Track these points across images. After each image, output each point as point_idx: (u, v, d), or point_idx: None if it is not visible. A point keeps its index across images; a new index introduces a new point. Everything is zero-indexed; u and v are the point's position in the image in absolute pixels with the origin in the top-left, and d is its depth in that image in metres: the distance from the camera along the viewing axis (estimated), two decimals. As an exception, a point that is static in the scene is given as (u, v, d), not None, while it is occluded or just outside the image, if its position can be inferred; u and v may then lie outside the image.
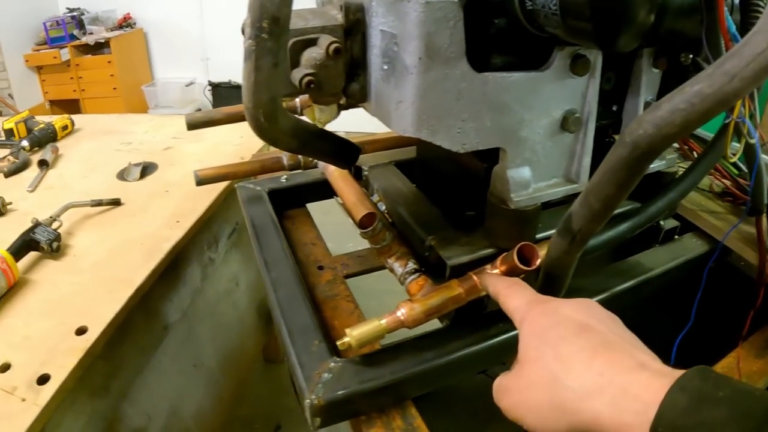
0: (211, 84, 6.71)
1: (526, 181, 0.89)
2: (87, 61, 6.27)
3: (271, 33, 0.64)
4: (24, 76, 6.15)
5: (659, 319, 1.41)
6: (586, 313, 0.64)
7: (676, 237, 1.27)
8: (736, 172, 1.33)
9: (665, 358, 0.98)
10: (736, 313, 1.13)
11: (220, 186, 1.78)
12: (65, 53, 6.10)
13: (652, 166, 1.03)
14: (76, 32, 6.21)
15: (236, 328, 2.18)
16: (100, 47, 6.29)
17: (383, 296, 2.83)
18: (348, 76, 0.83)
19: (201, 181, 1.29)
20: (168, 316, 1.64)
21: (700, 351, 1.08)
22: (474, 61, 0.76)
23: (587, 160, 0.92)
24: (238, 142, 2.18)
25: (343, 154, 0.89)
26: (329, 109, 0.84)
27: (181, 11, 6.62)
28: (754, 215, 1.15)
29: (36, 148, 2.23)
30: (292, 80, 0.76)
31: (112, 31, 6.39)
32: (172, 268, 1.57)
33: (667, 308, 1.39)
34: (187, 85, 6.65)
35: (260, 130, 0.73)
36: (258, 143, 2.17)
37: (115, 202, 1.76)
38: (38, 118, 2.43)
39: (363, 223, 0.93)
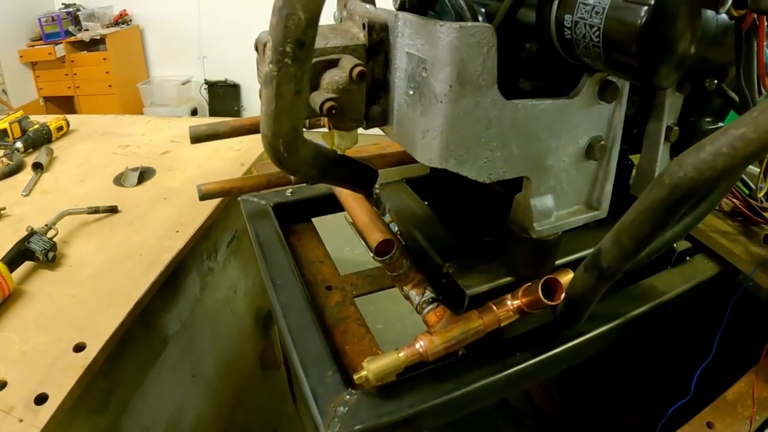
0: (207, 82, 6.66)
1: (549, 209, 0.86)
2: (82, 58, 6.17)
3: (295, 58, 0.61)
4: (18, 72, 6.04)
5: (672, 344, 1.40)
6: None
7: (688, 258, 1.25)
8: (747, 191, 1.32)
9: (684, 387, 0.97)
10: (746, 335, 1.12)
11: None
12: (60, 49, 5.99)
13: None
14: (71, 28, 6.11)
15: (234, 336, 2.15)
16: (95, 44, 6.19)
17: (390, 312, 2.83)
18: (369, 98, 0.80)
19: (204, 196, 1.25)
20: (167, 328, 1.61)
21: (710, 373, 1.08)
22: (502, 86, 0.73)
23: (609, 187, 0.90)
24: (238, 147, 2.14)
25: (361, 180, 0.86)
26: (350, 135, 0.81)
27: (178, 8, 6.53)
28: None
29: (30, 150, 2.18)
30: (312, 104, 0.73)
31: (107, 27, 6.29)
32: (171, 280, 1.53)
33: (677, 331, 1.38)
34: (183, 84, 6.55)
35: (279, 161, 0.70)
36: (260, 149, 2.11)
37: (113, 210, 1.72)
38: (33, 118, 2.37)
39: (380, 251, 0.90)
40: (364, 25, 0.76)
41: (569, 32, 0.69)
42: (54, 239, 1.49)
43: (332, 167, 0.80)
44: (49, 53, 5.93)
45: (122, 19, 6.53)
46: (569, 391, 1.91)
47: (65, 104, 6.32)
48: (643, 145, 1.02)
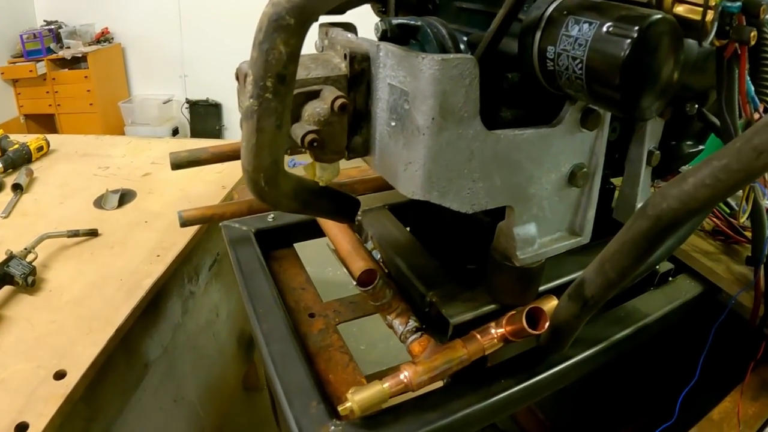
0: (188, 101, 6.62)
1: (532, 237, 0.86)
2: (63, 76, 6.12)
3: (276, 93, 0.60)
4: (-1, 89, 6.03)
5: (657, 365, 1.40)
6: None
7: (671, 279, 1.25)
8: (728, 211, 1.33)
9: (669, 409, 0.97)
10: (731, 354, 1.13)
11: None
12: (41, 67, 5.94)
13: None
14: (53, 46, 6.05)
15: (217, 360, 2.13)
16: (77, 61, 6.14)
17: (373, 333, 2.82)
18: (350, 129, 0.79)
19: (185, 223, 1.24)
20: (148, 353, 1.59)
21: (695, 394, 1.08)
22: (483, 116, 0.73)
23: (592, 213, 0.90)
24: (220, 169, 2.10)
25: (344, 210, 0.85)
26: (331, 167, 0.80)
27: (159, 27, 6.49)
28: (753, 265, 1.14)
29: (10, 170, 2.15)
30: (293, 136, 0.72)
31: (89, 45, 6.25)
32: (152, 305, 1.51)
33: (662, 352, 1.38)
34: (164, 103, 6.51)
35: (260, 195, 0.69)
36: (241, 172, 2.09)
37: (93, 233, 1.70)
38: (13, 137, 2.34)
39: (363, 281, 0.90)
40: (345, 56, 0.76)
41: (552, 63, 0.69)
42: (33, 263, 1.47)
43: (313, 199, 0.79)
44: (30, 70, 5.87)
45: (104, 37, 6.48)
46: (554, 412, 1.91)
47: (46, 122, 6.27)
48: (625, 170, 1.02)
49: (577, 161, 0.85)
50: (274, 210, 0.75)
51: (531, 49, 0.71)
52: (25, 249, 1.50)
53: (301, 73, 0.73)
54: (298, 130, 0.72)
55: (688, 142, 1.10)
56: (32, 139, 2.33)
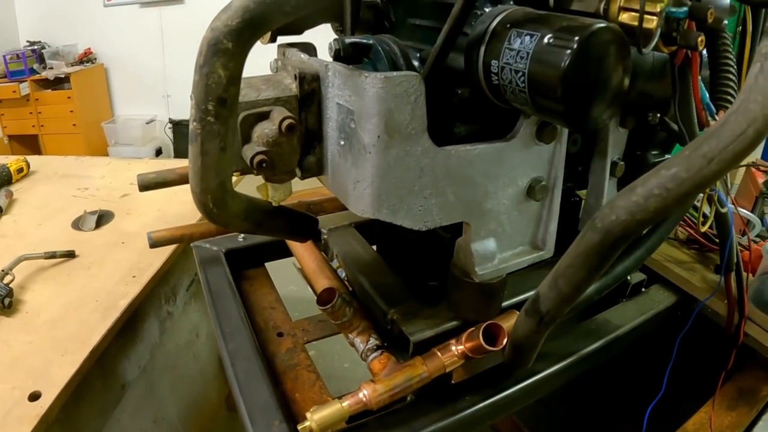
0: (171, 121, 6.63)
1: (491, 252, 0.85)
2: (46, 96, 6.12)
3: (217, 116, 0.61)
4: (-18, 110, 6.03)
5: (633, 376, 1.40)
6: None
7: (644, 290, 1.25)
8: (702, 219, 1.33)
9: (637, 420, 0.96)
10: (706, 363, 1.13)
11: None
12: (25, 87, 5.94)
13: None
14: (36, 66, 6.07)
15: (198, 380, 2.11)
16: (59, 82, 6.15)
17: (343, 356, 2.81)
18: (303, 149, 0.79)
19: (155, 244, 1.24)
20: (126, 374, 1.58)
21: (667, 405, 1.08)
22: (436, 132, 0.72)
23: (553, 226, 0.90)
24: (197, 190, 2.12)
25: (300, 229, 0.85)
26: (283, 187, 0.80)
27: (142, 47, 6.54)
28: (721, 273, 1.15)
29: (-10, 192, 2.16)
30: (243, 156, 0.72)
31: (72, 66, 6.27)
32: (129, 325, 1.50)
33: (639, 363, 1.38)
34: (147, 123, 6.53)
35: (210, 216, 0.69)
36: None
37: (70, 254, 1.69)
38: (-8, 160, 2.36)
39: (322, 300, 0.89)
40: (295, 76, 0.76)
41: (496, 78, 0.69)
42: (11, 285, 1.47)
43: (266, 220, 0.79)
44: (14, 91, 5.88)
45: (87, 58, 6.51)
46: (537, 424, 1.90)
47: (30, 143, 6.27)
48: (589, 182, 1.02)
49: (535, 175, 0.84)
50: (225, 230, 0.75)
51: (476, 63, 0.71)
52: (3, 271, 1.50)
53: (252, 95, 0.73)
54: (248, 152, 0.72)
55: (654, 152, 1.10)
56: (12, 161, 2.33)
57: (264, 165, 0.71)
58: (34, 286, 1.56)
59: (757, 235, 1.40)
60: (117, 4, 6.49)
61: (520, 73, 0.65)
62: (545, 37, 0.63)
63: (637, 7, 0.66)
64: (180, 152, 6.62)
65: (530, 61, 0.64)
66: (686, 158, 0.52)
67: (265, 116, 0.73)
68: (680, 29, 0.72)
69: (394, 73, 0.66)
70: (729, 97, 0.85)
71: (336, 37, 0.82)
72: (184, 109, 6.55)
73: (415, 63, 0.84)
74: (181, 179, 1.25)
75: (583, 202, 1.08)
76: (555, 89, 0.63)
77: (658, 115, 1.00)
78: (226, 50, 0.58)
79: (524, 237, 0.90)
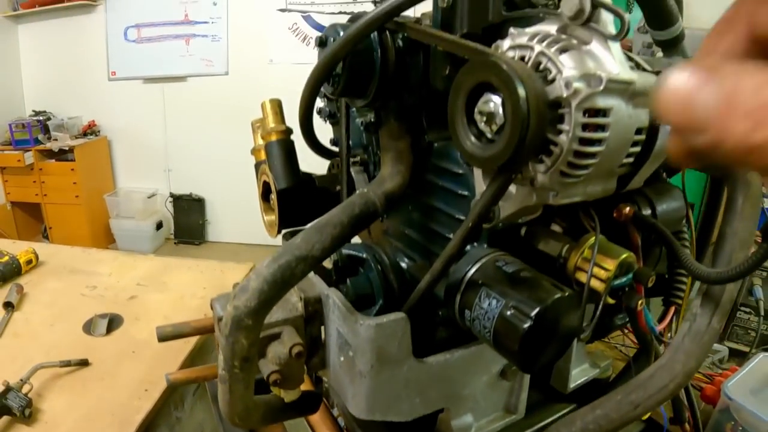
0: (172, 196, 6.78)
1: (468, 425, 0.99)
2: (50, 167, 6.24)
3: (242, 368, 0.76)
4: (-14, 176, 6.15)
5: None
6: None
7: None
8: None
9: None
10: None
11: (186, 348, 1.86)
12: (29, 156, 6.07)
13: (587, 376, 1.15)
14: (40, 137, 6.19)
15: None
16: (63, 153, 6.25)
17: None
18: (309, 352, 0.94)
19: (173, 384, 1.36)
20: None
21: None
22: (420, 339, 0.85)
23: (524, 394, 1.03)
24: (202, 294, 2.25)
25: (307, 408, 0.99)
26: (293, 392, 0.94)
27: (145, 121, 6.66)
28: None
29: (1, 283, 2.28)
30: (260, 370, 0.87)
31: (76, 138, 6.38)
32: (141, 437, 1.61)
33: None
34: (149, 197, 6.66)
35: (237, 425, 0.84)
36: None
37: (83, 363, 1.81)
38: (2, 247, 2.48)
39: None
40: (300, 298, 0.91)
41: (469, 323, 0.79)
42: (29, 394, 1.57)
43: (281, 413, 0.93)
44: (18, 160, 6.02)
45: (90, 130, 6.64)
46: None
47: (32, 210, 6.43)
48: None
49: (507, 362, 0.97)
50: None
51: (454, 305, 0.81)
52: (21, 380, 1.60)
53: (264, 317, 0.88)
54: (264, 368, 0.85)
55: (619, 316, 1.20)
56: (22, 252, 2.45)
57: (278, 382, 0.85)
58: (51, 395, 1.65)
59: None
60: (121, 79, 6.64)
61: (487, 330, 0.75)
62: (508, 306, 0.72)
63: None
64: (180, 226, 6.79)
65: (494, 324, 0.73)
66: (618, 402, 0.67)
67: (276, 336, 0.88)
68: (625, 290, 0.79)
69: (384, 320, 0.80)
70: (679, 295, 0.94)
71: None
72: (184, 183, 6.72)
73: (403, 265, 0.98)
74: (195, 331, 1.38)
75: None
76: (513, 351, 0.71)
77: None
78: (247, 326, 0.73)
79: (498, 405, 1.03)
